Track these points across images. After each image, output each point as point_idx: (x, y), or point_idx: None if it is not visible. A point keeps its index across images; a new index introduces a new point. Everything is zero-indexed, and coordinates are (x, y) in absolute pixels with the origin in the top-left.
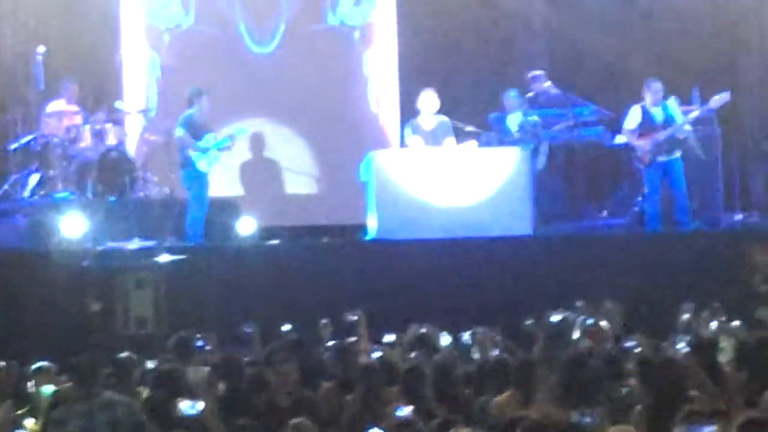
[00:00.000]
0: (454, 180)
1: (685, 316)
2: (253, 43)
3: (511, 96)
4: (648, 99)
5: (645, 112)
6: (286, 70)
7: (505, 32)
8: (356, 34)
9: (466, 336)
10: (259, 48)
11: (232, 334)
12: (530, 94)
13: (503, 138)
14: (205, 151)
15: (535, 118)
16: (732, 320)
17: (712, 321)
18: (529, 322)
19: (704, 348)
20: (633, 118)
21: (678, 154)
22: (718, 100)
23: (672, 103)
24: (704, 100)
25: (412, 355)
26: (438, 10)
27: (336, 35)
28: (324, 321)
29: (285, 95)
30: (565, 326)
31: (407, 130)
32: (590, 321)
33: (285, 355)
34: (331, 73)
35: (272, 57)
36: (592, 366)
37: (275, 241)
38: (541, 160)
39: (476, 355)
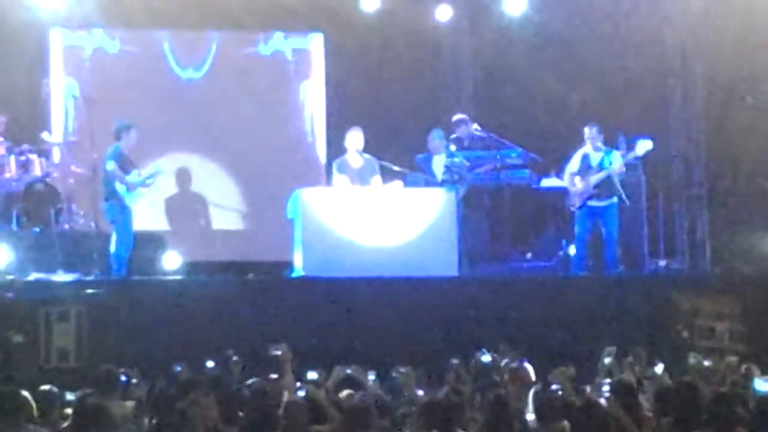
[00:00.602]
0: (381, 220)
1: (607, 360)
2: (181, 68)
3: (436, 137)
4: (589, 144)
5: (585, 158)
6: (215, 100)
7: (432, 73)
8: (291, 66)
9: (393, 375)
10: (187, 73)
11: (156, 369)
12: (453, 136)
13: (429, 179)
14: (134, 187)
15: (462, 159)
16: (655, 365)
17: (635, 366)
18: (455, 362)
19: (626, 392)
20: (574, 162)
21: (614, 199)
22: (642, 147)
23: (615, 152)
24: (630, 147)
25: (343, 394)
26: (366, 50)
27: (269, 64)
28: (235, 358)
29: (213, 127)
30: (492, 368)
31: (335, 169)
32: (514, 364)
33: (204, 390)
34: (260, 106)
35: (201, 86)
36: (516, 408)
37: (200, 277)
38: None
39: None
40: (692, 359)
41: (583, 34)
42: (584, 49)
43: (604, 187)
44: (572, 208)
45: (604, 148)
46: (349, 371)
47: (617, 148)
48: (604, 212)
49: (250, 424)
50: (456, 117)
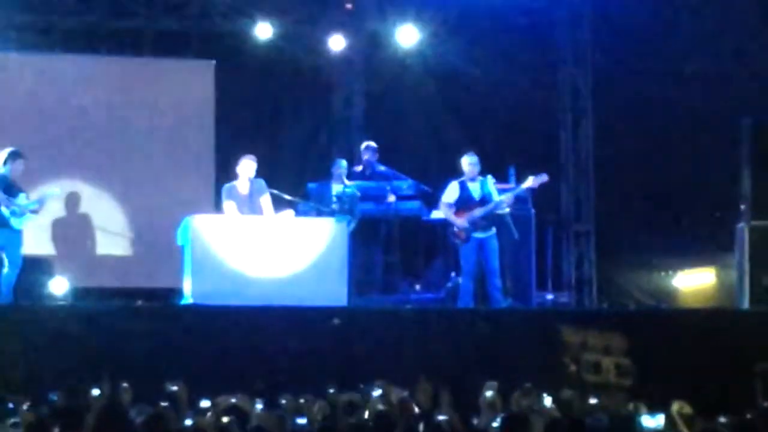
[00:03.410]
0: (271, 249)
1: (489, 394)
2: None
3: (341, 165)
4: (466, 174)
5: (463, 188)
6: (105, 125)
7: (324, 102)
8: (181, 92)
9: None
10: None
11: (41, 398)
12: (359, 168)
13: (321, 208)
14: (22, 213)
15: (354, 190)
16: (542, 399)
17: (524, 400)
18: (331, 391)
19: (518, 426)
20: (451, 192)
21: (493, 230)
22: (536, 180)
23: (489, 180)
24: (520, 180)
25: (225, 420)
26: (258, 77)
27: (159, 90)
28: (125, 384)
29: (102, 152)
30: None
31: (223, 195)
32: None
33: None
34: (149, 131)
35: (91, 110)
36: None
37: (88, 302)
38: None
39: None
40: (567, 393)
41: (476, 68)
42: (477, 83)
43: (487, 219)
44: (457, 242)
45: (479, 178)
46: (234, 400)
47: (507, 181)
48: (485, 244)
49: None
50: (366, 144)
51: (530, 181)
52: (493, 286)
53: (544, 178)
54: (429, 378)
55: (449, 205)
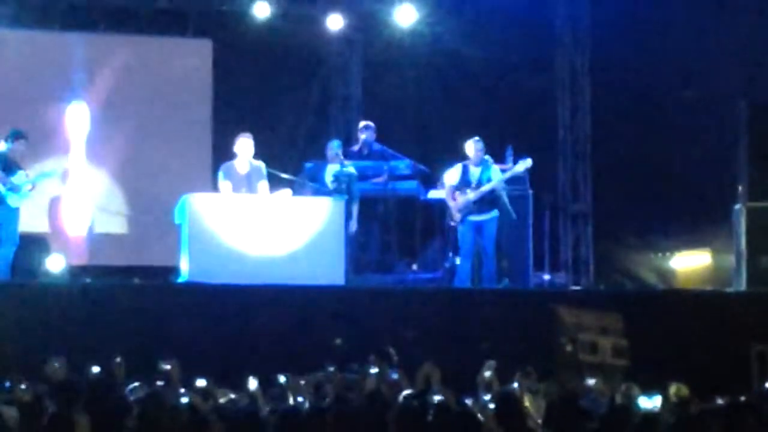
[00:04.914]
0: (268, 228)
1: (487, 374)
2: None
3: (334, 146)
4: (471, 158)
5: (464, 171)
6: (102, 102)
7: (322, 82)
8: (179, 71)
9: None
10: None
11: (38, 375)
12: (356, 148)
13: (318, 188)
14: (17, 188)
15: (351, 169)
16: (540, 380)
17: (524, 381)
18: (331, 369)
19: (509, 404)
20: (453, 175)
21: (494, 213)
22: (522, 165)
23: (493, 165)
24: (517, 160)
25: (222, 400)
26: (256, 57)
27: (157, 68)
28: (118, 359)
29: (99, 130)
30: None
31: (220, 174)
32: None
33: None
34: (146, 109)
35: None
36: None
37: (85, 280)
38: (353, 225)
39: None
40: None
41: (474, 48)
42: (475, 63)
43: (485, 202)
44: (452, 224)
45: (490, 160)
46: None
47: (504, 161)
48: (483, 226)
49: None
50: (363, 123)
51: (517, 167)
52: (487, 267)
53: (528, 163)
54: (425, 358)
55: (451, 187)
